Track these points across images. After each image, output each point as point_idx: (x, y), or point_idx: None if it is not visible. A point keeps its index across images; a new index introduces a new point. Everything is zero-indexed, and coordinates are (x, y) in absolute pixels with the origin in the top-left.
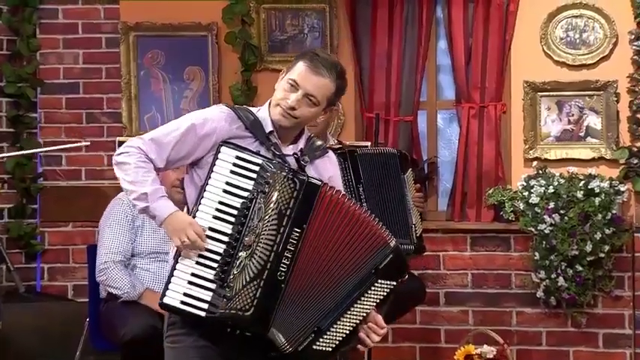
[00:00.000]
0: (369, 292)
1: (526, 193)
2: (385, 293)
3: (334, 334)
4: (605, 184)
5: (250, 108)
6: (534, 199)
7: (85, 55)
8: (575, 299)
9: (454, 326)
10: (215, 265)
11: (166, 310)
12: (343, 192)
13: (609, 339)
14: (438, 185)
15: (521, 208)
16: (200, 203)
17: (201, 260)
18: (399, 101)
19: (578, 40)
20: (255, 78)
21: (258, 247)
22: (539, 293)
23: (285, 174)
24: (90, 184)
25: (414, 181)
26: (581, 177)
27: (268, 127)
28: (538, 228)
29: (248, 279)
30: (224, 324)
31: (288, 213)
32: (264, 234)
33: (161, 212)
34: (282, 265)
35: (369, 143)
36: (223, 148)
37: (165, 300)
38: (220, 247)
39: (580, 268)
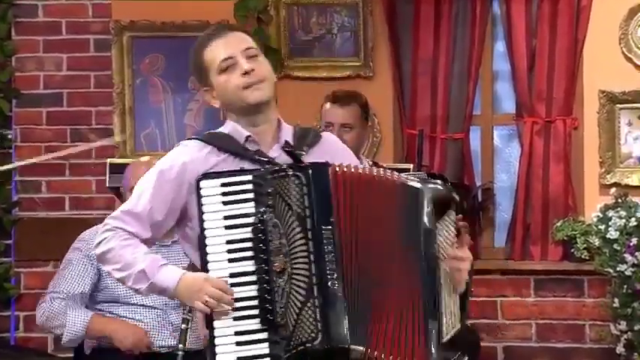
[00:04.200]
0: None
1: (602, 227)
2: (453, 226)
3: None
4: None
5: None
6: (613, 234)
7: (70, 60)
8: None
9: None
10: (255, 311)
11: None
12: (355, 164)
13: None
14: (495, 216)
15: (597, 244)
16: (207, 254)
17: (238, 313)
18: (447, 115)
19: None
20: (275, 87)
21: (294, 266)
22: (620, 348)
23: (283, 174)
24: (75, 216)
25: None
26: None
27: (242, 135)
28: (617, 269)
29: (299, 304)
30: None
31: (307, 214)
32: (293, 249)
33: (168, 282)
34: (328, 271)
35: (410, 166)
36: (203, 182)
37: None
38: (252, 289)
39: None
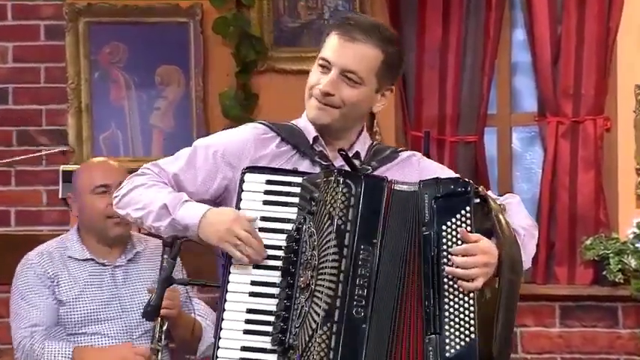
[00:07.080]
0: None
1: (639, 245)
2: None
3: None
4: None
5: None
6: None
7: (17, 50)
8: None
9: None
10: (268, 328)
11: None
12: None
13: None
14: None
15: (633, 266)
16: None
17: (249, 326)
18: (458, 115)
19: None
20: (256, 81)
21: (319, 283)
22: None
23: (332, 178)
24: (22, 232)
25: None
26: None
27: (311, 134)
28: None
29: (314, 326)
30: None
31: (348, 228)
32: (322, 264)
33: (190, 219)
34: (356, 297)
35: None
36: (248, 175)
37: None
38: (270, 303)
39: None
